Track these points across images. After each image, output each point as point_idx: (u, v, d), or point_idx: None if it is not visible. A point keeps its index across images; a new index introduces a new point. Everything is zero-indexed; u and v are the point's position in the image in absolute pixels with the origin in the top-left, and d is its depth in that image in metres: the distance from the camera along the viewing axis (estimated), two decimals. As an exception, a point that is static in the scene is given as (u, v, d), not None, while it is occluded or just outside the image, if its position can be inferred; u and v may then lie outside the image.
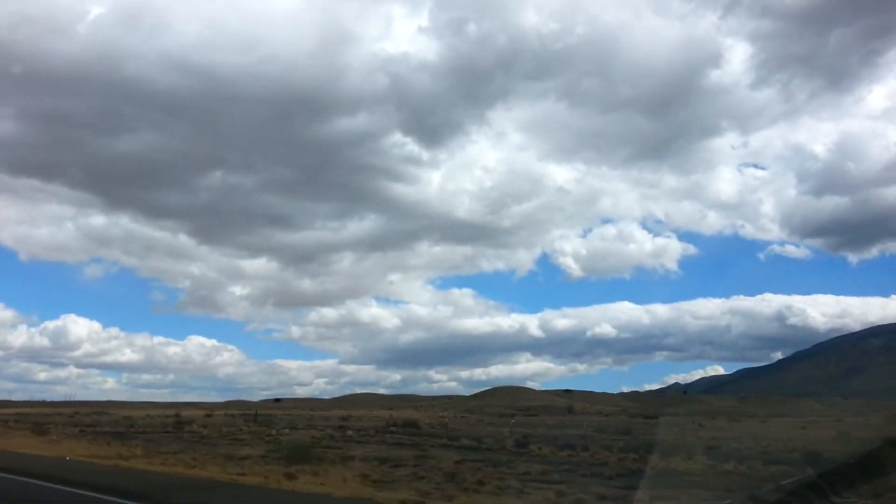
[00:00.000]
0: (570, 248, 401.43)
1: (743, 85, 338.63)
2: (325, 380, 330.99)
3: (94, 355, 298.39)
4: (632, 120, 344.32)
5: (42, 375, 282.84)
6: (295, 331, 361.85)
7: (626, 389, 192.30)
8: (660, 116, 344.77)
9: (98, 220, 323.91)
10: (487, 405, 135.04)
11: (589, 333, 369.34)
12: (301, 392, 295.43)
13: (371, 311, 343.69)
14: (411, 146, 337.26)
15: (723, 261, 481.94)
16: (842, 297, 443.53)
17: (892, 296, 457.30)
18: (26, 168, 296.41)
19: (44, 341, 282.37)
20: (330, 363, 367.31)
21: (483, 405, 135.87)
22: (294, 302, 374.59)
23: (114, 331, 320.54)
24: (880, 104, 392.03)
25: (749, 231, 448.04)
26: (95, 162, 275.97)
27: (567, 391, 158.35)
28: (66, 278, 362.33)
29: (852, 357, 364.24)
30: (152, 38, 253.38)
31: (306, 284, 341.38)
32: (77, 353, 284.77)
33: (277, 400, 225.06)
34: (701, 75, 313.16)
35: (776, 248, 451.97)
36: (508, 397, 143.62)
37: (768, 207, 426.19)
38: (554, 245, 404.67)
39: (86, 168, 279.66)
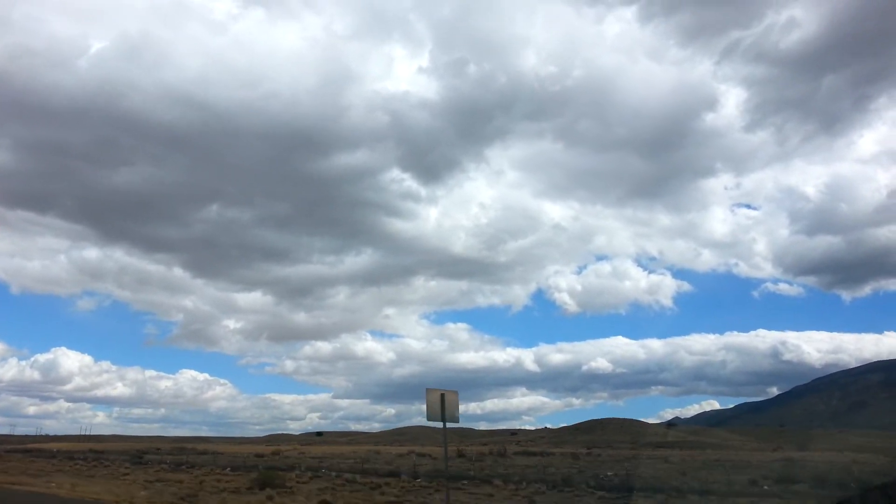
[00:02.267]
0: (565, 284, 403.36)
1: (737, 128, 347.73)
2: (318, 414, 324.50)
3: (85, 389, 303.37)
4: (627, 160, 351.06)
5: (32, 409, 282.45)
6: (289, 365, 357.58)
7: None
8: (654, 157, 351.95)
9: (92, 252, 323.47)
10: (603, 439, 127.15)
11: (584, 368, 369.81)
12: (294, 426, 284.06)
13: (366, 345, 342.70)
14: (409, 182, 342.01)
15: (717, 298, 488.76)
16: (836, 334, 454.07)
17: (886, 332, 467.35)
18: (21, 200, 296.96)
19: (34, 375, 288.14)
20: (323, 397, 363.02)
21: (596, 439, 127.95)
22: (288, 336, 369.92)
23: (105, 364, 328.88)
24: (870, 149, 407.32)
25: (743, 269, 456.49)
26: (91, 194, 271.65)
27: (670, 423, 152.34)
28: (58, 311, 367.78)
29: (854, 392, 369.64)
30: (154, 73, 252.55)
31: (301, 318, 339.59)
32: (68, 387, 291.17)
33: (319, 434, 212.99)
34: (696, 118, 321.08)
35: (769, 286, 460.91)
36: (623, 431, 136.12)
37: (761, 246, 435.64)
38: (549, 281, 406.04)
39: (81, 200, 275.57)
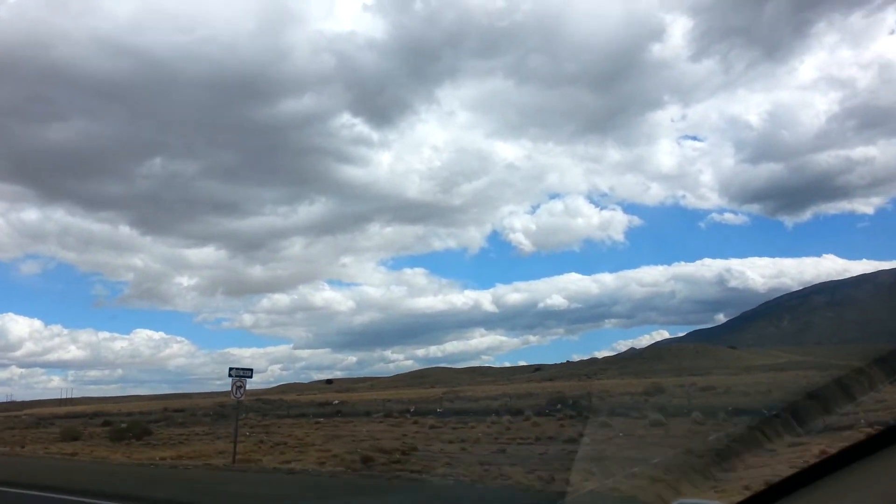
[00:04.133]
0: (519, 224, 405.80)
1: (683, 58, 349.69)
2: (279, 366, 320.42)
3: (38, 354, 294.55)
4: (577, 95, 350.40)
5: None
6: (247, 318, 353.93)
7: (576, 358, 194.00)
8: (604, 91, 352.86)
9: (31, 214, 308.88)
10: (695, 364, 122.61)
11: (541, 305, 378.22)
12: (257, 379, 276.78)
13: (324, 295, 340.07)
14: (360, 127, 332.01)
15: (665, 230, 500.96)
16: (777, 259, 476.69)
17: (824, 255, 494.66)
18: None
19: None
20: (284, 349, 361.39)
21: (680, 366, 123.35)
22: (245, 290, 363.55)
23: (56, 328, 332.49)
24: (810, 75, 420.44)
25: (690, 201, 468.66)
26: (25, 152, 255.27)
27: (732, 347, 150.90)
28: (2, 276, 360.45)
29: (802, 313, 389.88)
30: (81, 20, 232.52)
31: (257, 271, 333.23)
32: (19, 353, 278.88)
33: (329, 381, 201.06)
34: (643, 50, 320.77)
35: (715, 216, 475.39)
36: (706, 357, 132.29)
37: (707, 177, 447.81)
38: (504, 222, 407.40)
39: (15, 159, 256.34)
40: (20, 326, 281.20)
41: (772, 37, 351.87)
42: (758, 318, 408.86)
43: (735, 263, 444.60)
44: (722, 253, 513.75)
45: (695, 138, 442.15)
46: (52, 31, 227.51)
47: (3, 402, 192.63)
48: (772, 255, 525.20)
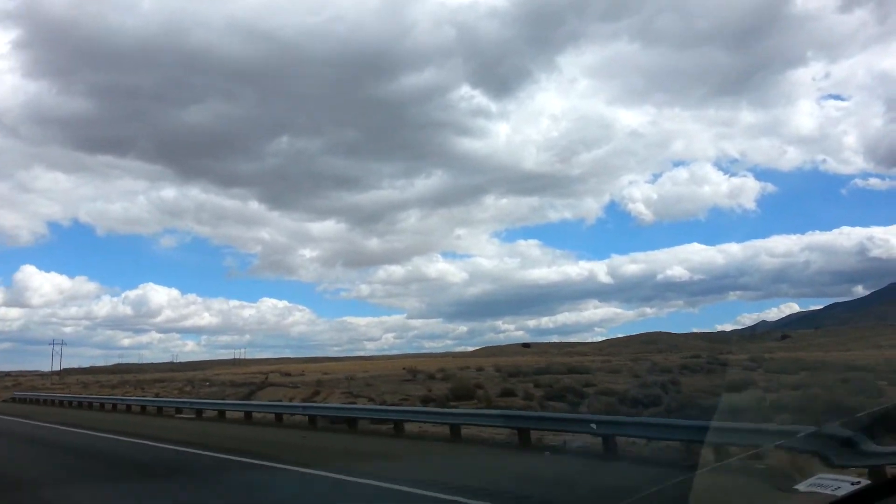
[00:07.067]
0: (639, 194, 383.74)
1: (832, 9, 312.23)
2: (393, 334, 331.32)
3: (174, 320, 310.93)
4: (710, 56, 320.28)
5: (126, 342, 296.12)
6: (363, 289, 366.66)
7: (696, 330, 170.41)
8: (741, 50, 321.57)
9: (170, 192, 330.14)
10: None
11: (659, 277, 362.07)
12: (371, 346, 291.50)
13: (437, 267, 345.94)
14: (479, 98, 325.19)
15: (803, 197, 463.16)
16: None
17: None
18: (101, 145, 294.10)
19: (126, 310, 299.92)
20: (398, 318, 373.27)
21: None
22: (362, 261, 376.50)
23: (192, 297, 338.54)
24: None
25: (831, 165, 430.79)
26: (165, 135, 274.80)
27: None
28: (143, 250, 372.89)
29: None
30: (217, 7, 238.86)
31: (374, 244, 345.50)
32: (158, 319, 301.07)
33: (526, 345, 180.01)
34: (787, 2, 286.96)
35: (859, 182, 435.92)
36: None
37: (852, 139, 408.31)
38: (623, 192, 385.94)
39: (156, 141, 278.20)
40: (159, 295, 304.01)
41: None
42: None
43: (878, 232, 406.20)
44: (864, 221, 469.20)
45: (839, 98, 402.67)
46: (190, 17, 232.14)
47: (166, 363, 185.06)
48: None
